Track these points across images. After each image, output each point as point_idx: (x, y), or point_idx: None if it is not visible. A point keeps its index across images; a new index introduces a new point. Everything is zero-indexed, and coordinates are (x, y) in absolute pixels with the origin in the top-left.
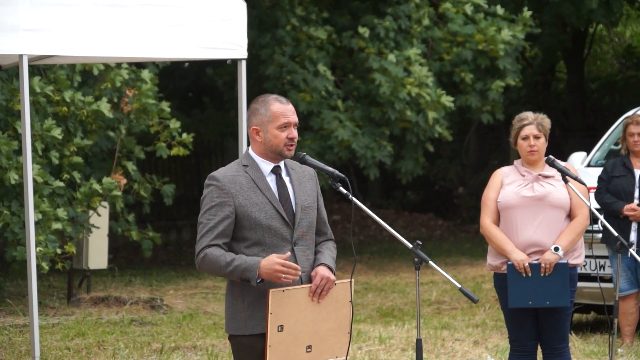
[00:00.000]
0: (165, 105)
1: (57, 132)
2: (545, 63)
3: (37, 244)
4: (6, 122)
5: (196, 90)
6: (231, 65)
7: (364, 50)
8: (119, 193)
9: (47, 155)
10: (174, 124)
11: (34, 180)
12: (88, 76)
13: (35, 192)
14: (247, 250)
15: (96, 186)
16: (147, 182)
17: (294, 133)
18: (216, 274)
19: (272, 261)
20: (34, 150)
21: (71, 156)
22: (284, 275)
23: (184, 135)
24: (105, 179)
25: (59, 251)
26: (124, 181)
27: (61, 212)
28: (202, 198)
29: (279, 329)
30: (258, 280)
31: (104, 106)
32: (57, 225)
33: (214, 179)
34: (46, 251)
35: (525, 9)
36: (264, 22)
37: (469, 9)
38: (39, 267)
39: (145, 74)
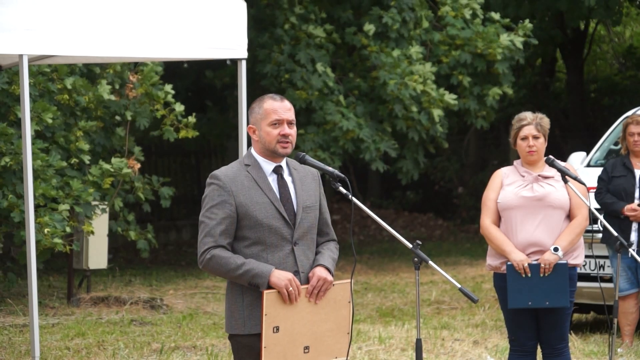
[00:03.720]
0: (168, 88)
1: (48, 116)
2: (536, 57)
3: (44, 225)
4: (7, 106)
5: (196, 90)
6: (231, 67)
7: (366, 47)
8: (129, 170)
9: (54, 139)
10: (179, 107)
11: (35, 167)
12: (91, 65)
13: (36, 177)
14: (247, 249)
15: (106, 166)
16: (146, 184)
17: (287, 130)
18: (221, 276)
19: (286, 275)
20: (39, 134)
21: (77, 141)
22: (290, 290)
23: (189, 118)
24: (114, 159)
25: (68, 229)
26: (138, 165)
27: (77, 185)
28: (203, 197)
29: (275, 330)
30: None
31: (104, 89)
32: (63, 207)
33: (215, 177)
34: (54, 231)
35: (527, 20)
36: (261, 21)
37: (467, 13)
38: (53, 245)
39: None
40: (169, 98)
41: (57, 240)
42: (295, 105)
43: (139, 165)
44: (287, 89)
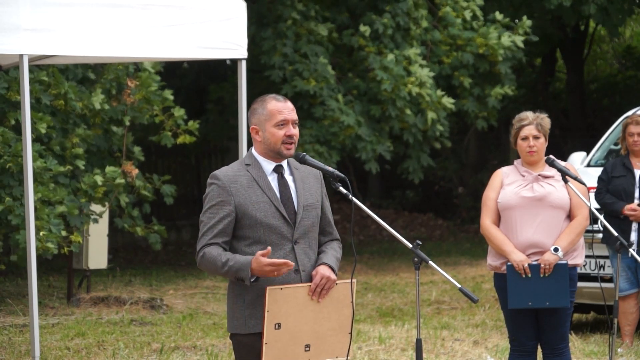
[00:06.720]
0: (168, 94)
1: (42, 127)
2: (535, 56)
3: (40, 228)
4: (3, 112)
5: (196, 90)
6: (232, 77)
7: (364, 48)
8: (122, 181)
9: (49, 147)
10: (178, 111)
11: (34, 168)
12: (87, 69)
13: (35, 179)
14: (248, 248)
15: (98, 177)
16: (148, 182)
17: (292, 131)
18: (215, 274)
19: (260, 263)
20: (35, 139)
21: (73, 148)
22: (276, 272)
23: (190, 122)
24: (108, 168)
25: (64, 233)
26: (136, 171)
27: (63, 193)
28: (204, 196)
29: (276, 327)
30: (252, 280)
31: (97, 98)
32: (61, 209)
33: (215, 177)
34: (49, 235)
35: (525, 17)
36: (264, 17)
37: (467, 14)
38: (45, 249)
39: (147, 63)
40: (169, 103)
41: (50, 245)
42: (301, 93)
43: (136, 171)
44: (294, 77)
